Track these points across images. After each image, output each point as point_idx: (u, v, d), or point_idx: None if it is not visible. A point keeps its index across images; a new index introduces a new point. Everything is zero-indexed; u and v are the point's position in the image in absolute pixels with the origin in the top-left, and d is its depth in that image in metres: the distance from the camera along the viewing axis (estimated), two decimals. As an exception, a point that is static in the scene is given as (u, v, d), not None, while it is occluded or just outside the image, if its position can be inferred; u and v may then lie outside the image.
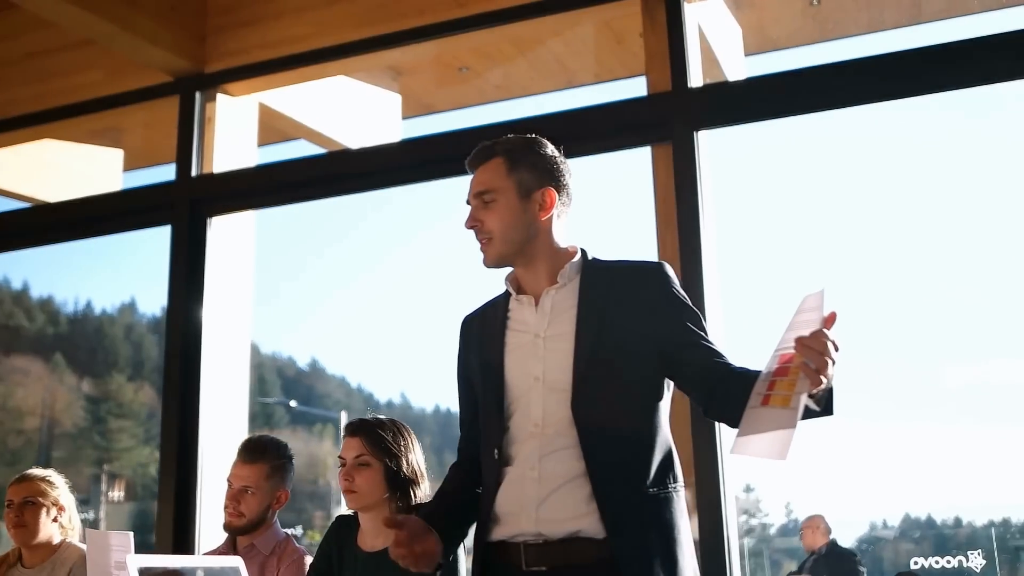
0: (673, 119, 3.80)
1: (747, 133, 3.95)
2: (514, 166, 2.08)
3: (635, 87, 5.52)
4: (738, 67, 4.60)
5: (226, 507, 2.95)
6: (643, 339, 2.01)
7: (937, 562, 3.40)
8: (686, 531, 1.98)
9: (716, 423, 3.44)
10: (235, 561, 1.95)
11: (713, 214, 3.81)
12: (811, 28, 4.90)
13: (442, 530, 2.03)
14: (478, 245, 2.11)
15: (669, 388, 2.08)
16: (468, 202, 2.12)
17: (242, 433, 4.55)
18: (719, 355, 1.99)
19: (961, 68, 3.56)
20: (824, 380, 1.65)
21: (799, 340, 1.66)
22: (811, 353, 1.64)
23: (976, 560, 3.36)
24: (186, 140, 4.61)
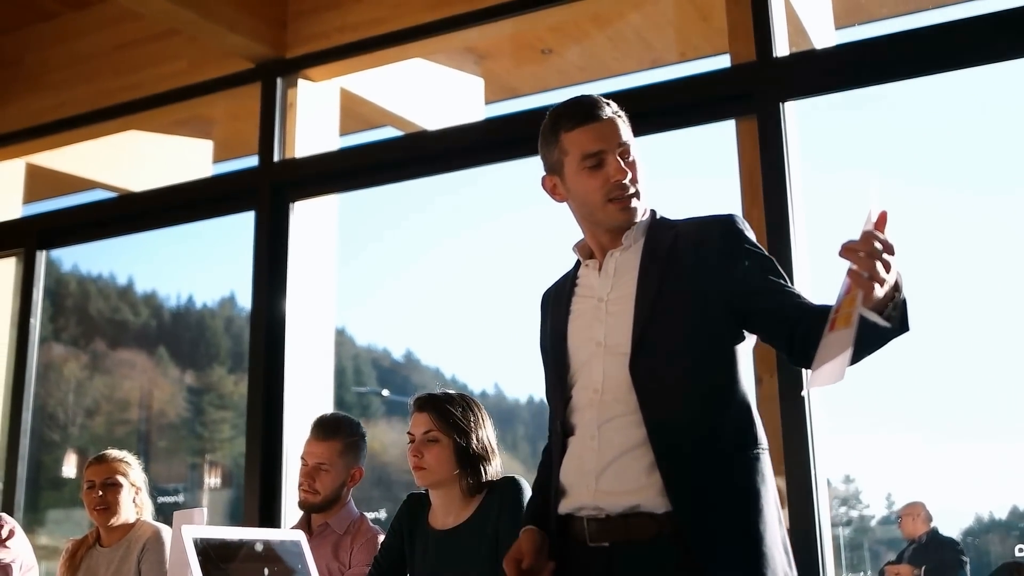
0: (758, 90, 3.68)
1: (840, 102, 3.79)
2: (629, 128, 2.02)
3: (719, 65, 5.38)
4: (829, 40, 4.44)
5: (301, 485, 2.95)
6: (708, 295, 1.89)
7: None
8: (769, 498, 1.83)
9: (807, 399, 3.31)
10: (296, 535, 1.92)
11: (802, 189, 3.67)
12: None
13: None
14: (622, 200, 1.97)
15: (747, 345, 1.95)
16: (598, 154, 1.97)
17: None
18: (798, 297, 1.84)
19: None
20: (878, 287, 1.49)
21: (844, 246, 1.50)
22: (856, 257, 1.48)
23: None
24: (268, 126, 4.64)
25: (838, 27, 4.67)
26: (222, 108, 5.47)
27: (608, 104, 2.01)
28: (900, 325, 1.60)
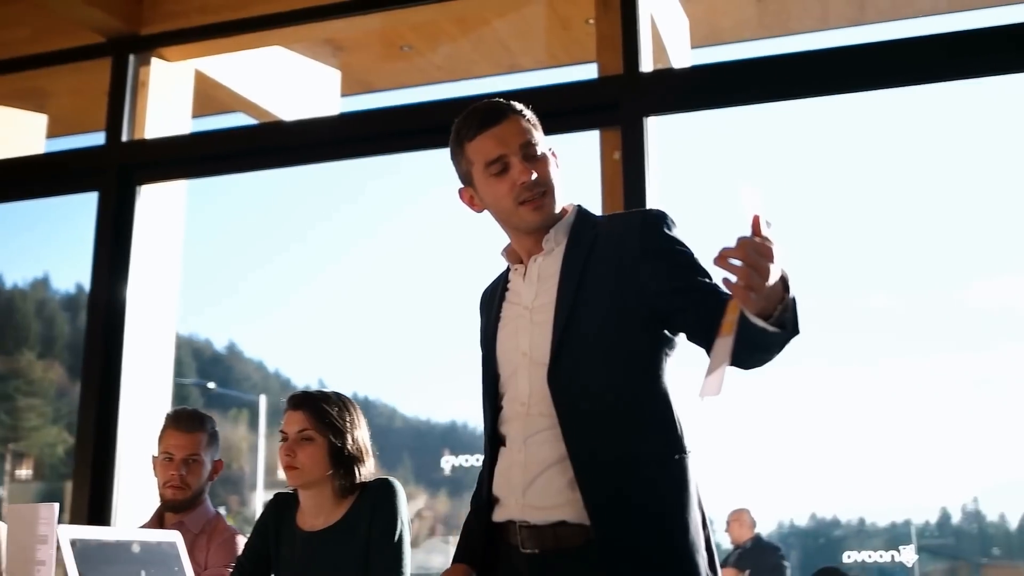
0: (623, 103, 3.75)
1: (698, 121, 3.92)
2: (536, 125, 1.97)
3: (580, 74, 5.45)
4: (685, 58, 4.58)
5: (169, 480, 2.83)
6: (627, 298, 1.84)
7: (870, 556, 3.42)
8: (691, 502, 1.81)
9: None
10: (172, 536, 1.84)
11: (659, 202, 3.77)
12: (758, 23, 4.91)
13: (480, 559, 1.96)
14: (533, 201, 1.91)
15: (671, 348, 1.89)
16: (500, 159, 1.91)
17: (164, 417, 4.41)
18: (721, 294, 1.73)
19: (901, 65, 3.59)
20: (754, 294, 1.44)
21: (720, 253, 1.45)
22: (729, 265, 1.44)
23: (908, 554, 3.39)
24: (117, 104, 4.43)
25: (694, 46, 4.84)
26: (63, 81, 5.19)
27: (508, 105, 1.96)
28: (792, 328, 1.58)
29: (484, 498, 1.96)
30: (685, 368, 1.93)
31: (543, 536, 1.82)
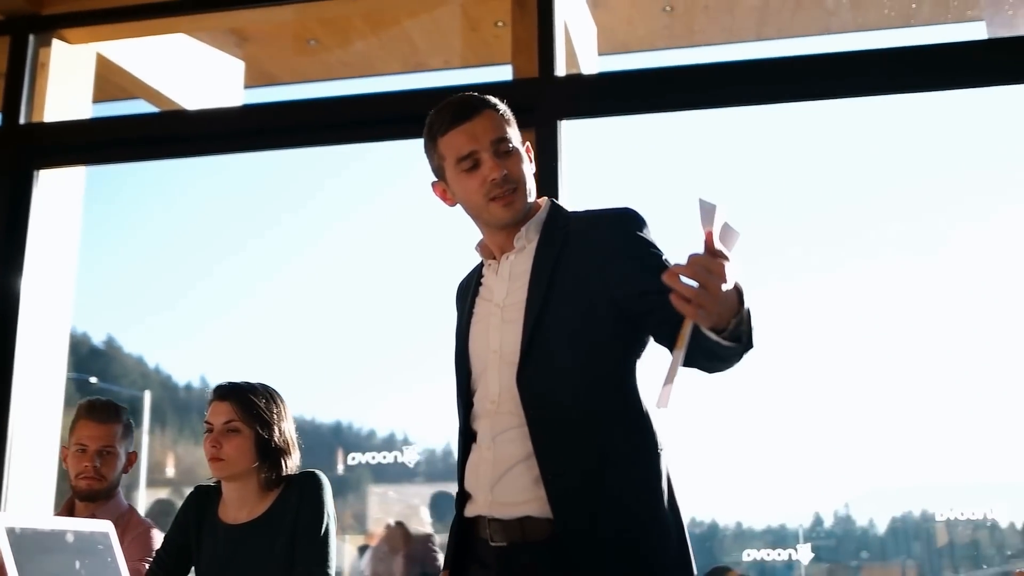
0: (538, 106, 3.79)
1: (609, 127, 3.98)
2: (510, 120, 1.97)
3: (486, 75, 5.47)
4: (593, 65, 4.66)
5: (83, 471, 2.76)
6: (596, 299, 1.84)
7: (768, 554, 3.53)
8: (660, 501, 1.81)
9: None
10: (105, 526, 1.80)
11: (570, 207, 3.82)
12: (668, 34, 5.02)
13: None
14: (503, 198, 1.90)
15: (642, 347, 1.89)
16: (471, 155, 1.91)
17: (56, 410, 4.26)
18: None
19: (798, 80, 3.73)
20: (701, 311, 1.44)
21: (670, 270, 1.44)
22: (676, 282, 1.43)
23: (805, 553, 3.52)
24: (15, 85, 4.27)
25: (605, 55, 4.92)
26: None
27: (482, 99, 1.96)
28: (747, 340, 1.58)
29: (458, 494, 1.97)
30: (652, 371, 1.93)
31: (511, 529, 1.83)
